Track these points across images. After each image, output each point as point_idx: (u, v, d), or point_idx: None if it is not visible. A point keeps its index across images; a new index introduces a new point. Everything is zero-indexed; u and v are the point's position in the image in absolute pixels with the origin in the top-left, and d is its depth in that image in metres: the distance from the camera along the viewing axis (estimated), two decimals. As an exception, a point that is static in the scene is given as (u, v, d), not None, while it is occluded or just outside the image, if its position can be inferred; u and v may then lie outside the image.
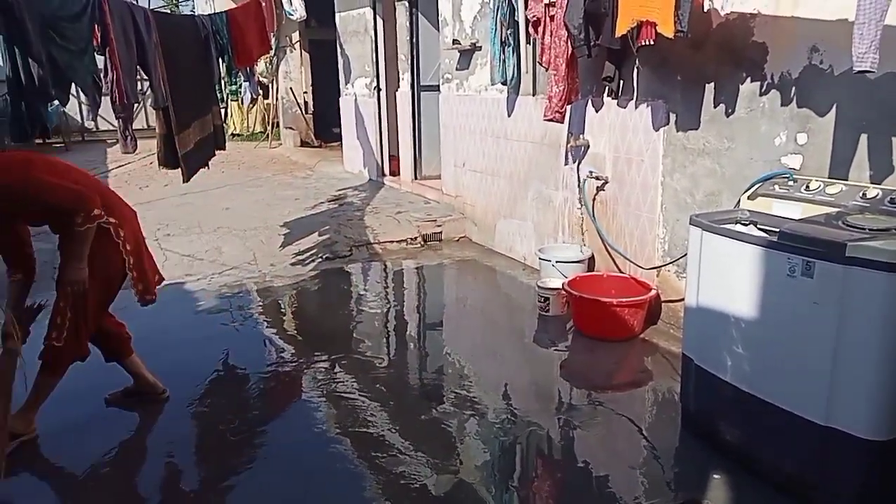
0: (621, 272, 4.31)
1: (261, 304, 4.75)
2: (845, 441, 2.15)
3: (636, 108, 4.01)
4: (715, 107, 3.45)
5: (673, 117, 3.75)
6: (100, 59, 3.74)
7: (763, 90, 3.18)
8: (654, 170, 3.93)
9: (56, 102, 3.43)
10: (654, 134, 3.89)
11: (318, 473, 2.73)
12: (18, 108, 3.11)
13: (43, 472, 2.86)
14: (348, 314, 4.66)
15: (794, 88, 3.04)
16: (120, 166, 10.08)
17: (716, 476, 2.58)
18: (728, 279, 2.49)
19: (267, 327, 4.35)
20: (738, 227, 2.60)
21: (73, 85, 3.49)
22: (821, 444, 2.21)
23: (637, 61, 3.90)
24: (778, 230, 2.33)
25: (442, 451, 2.83)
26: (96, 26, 3.64)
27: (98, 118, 12.93)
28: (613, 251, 4.33)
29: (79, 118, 13.40)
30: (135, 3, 4.14)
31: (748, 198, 2.90)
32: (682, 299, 3.08)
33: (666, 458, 2.82)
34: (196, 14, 6.28)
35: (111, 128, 12.41)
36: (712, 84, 3.45)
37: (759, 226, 2.64)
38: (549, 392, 3.50)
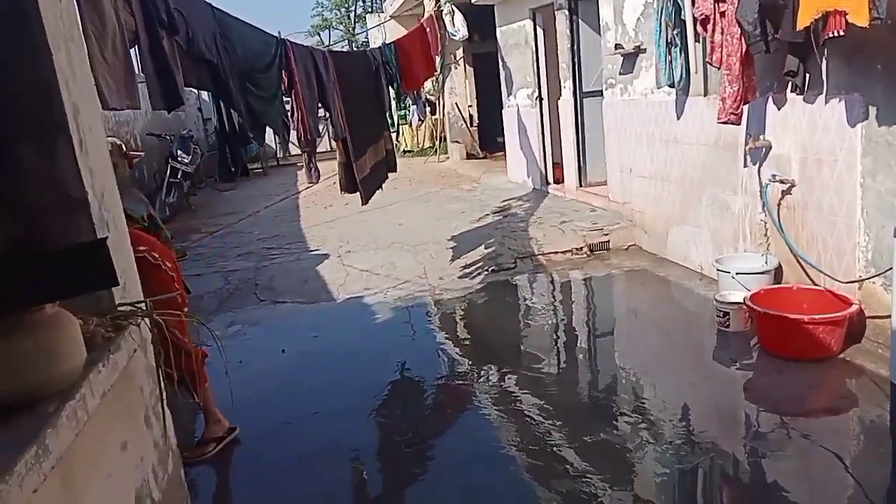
0: (815, 284, 3.89)
1: (432, 316, 4.99)
2: None
3: (826, 103, 3.60)
4: (926, 97, 3.00)
5: (873, 111, 3.31)
6: (286, 101, 4.19)
7: None
8: (851, 170, 3.50)
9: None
10: (850, 130, 3.47)
11: (488, 489, 2.81)
12: (224, 153, 3.59)
13: (241, 472, 3.24)
14: (516, 327, 4.72)
15: None
16: (307, 188, 11.09)
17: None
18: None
19: (438, 340, 4.56)
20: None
21: (266, 127, 3.94)
22: None
23: (825, 53, 3.50)
24: None
25: (617, 474, 2.77)
26: (283, 73, 4.08)
27: (290, 144, 14.41)
28: (804, 262, 3.92)
29: (274, 146, 14.99)
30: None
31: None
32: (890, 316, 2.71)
33: (876, 498, 2.50)
34: (368, 49, 6.75)
35: (297, 152, 13.77)
36: (921, 71, 3.00)
37: None
38: (732, 415, 3.27)
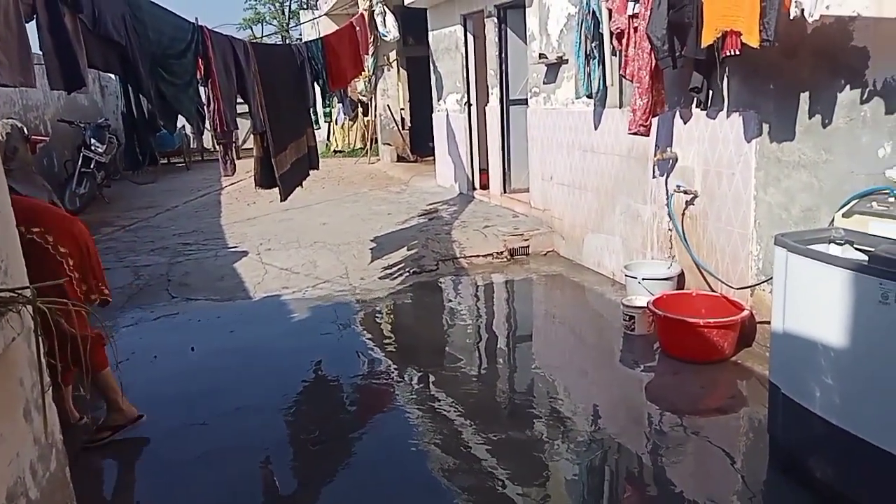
0: (713, 291, 4.11)
1: (351, 316, 4.94)
2: (950, 487, 1.94)
3: (727, 118, 3.82)
4: (811, 117, 3.23)
5: (766, 128, 3.54)
6: (202, 90, 4.07)
7: (864, 98, 2.94)
8: (747, 183, 3.72)
9: (186, 126, 3.78)
10: (746, 146, 3.70)
11: (393, 485, 2.80)
12: (132, 141, 3.44)
13: (142, 470, 3.13)
14: (435, 328, 4.74)
15: (899, 95, 2.80)
16: (232, 184, 10.80)
17: (805, 518, 2.42)
18: (816, 304, 2.32)
19: (357, 339, 4.52)
20: (830, 248, 2.43)
21: (178, 115, 3.81)
22: (920, 488, 2.01)
23: (726, 71, 3.72)
24: (870, 252, 2.15)
25: (529, 470, 2.83)
26: (199, 60, 3.96)
27: (206, 133, 13.94)
28: (703, 269, 4.14)
29: (189, 135, 14.43)
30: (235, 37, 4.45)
31: (843, 215, 2.70)
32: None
33: (755, 493, 2.66)
34: (293, 42, 6.65)
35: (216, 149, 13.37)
36: (807, 93, 3.23)
37: (855, 246, 2.45)
38: (636, 415, 3.40)
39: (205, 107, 4.04)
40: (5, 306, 1.84)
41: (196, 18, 3.96)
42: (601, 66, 4.76)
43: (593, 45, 4.74)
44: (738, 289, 3.83)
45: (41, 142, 5.41)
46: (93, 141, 9.30)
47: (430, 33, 9.23)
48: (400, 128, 12.71)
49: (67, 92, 2.96)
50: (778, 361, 2.62)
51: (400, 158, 12.63)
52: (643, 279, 4.32)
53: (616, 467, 2.96)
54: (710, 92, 3.85)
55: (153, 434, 3.30)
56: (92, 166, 9.22)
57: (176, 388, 3.88)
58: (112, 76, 7.83)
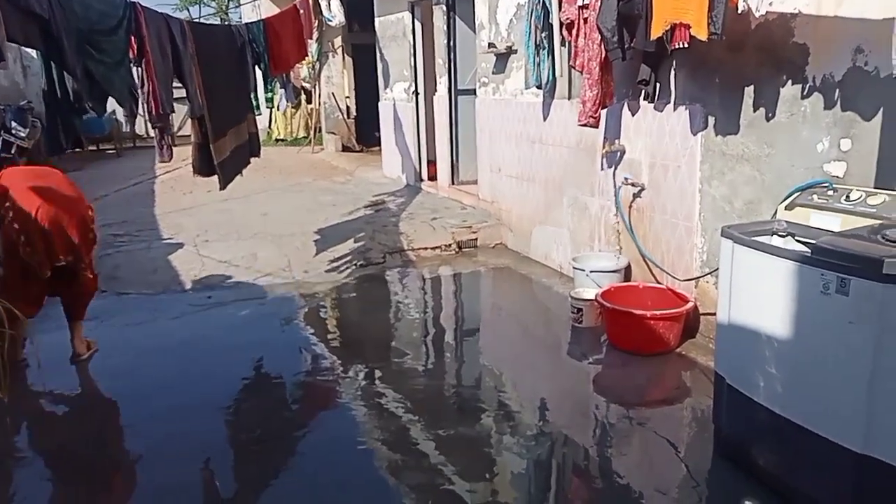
0: (658, 283, 4.16)
1: (294, 311, 4.78)
2: (883, 471, 1.99)
3: (674, 111, 3.86)
4: (755, 111, 3.28)
5: (711, 121, 3.59)
6: (135, 71, 3.83)
7: (805, 93, 3.01)
8: (692, 176, 3.78)
9: (116, 111, 3.55)
10: (692, 139, 3.74)
11: (337, 484, 2.70)
12: (54, 122, 3.21)
13: (67, 477, 2.92)
14: (381, 322, 4.64)
15: (837, 91, 2.86)
16: (167, 172, 10.34)
17: (748, 504, 2.46)
18: (760, 295, 2.35)
19: (299, 334, 4.38)
20: (773, 240, 2.46)
21: (108, 97, 3.57)
22: (857, 473, 2.06)
23: (674, 64, 3.76)
24: (812, 244, 2.18)
25: (477, 465, 2.78)
26: (132, 38, 3.72)
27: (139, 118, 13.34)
28: (650, 261, 4.19)
29: (121, 119, 13.80)
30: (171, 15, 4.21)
31: (786, 208, 2.74)
32: (718, 313, 2.95)
33: (699, 482, 2.70)
34: (232, 23, 6.38)
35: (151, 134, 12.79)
36: (752, 87, 3.29)
37: (796, 238, 2.49)
38: (583, 407, 3.41)
39: (138, 88, 3.80)
40: None
41: (129, -6, 3.72)
42: (550, 57, 4.74)
43: (543, 35, 4.71)
44: (683, 280, 3.89)
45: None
46: (14, 124, 8.67)
47: (376, 20, 9.05)
48: (345, 116, 12.48)
49: (-19, 66, 2.71)
50: (723, 352, 2.65)
51: (345, 148, 12.41)
52: (591, 271, 4.33)
53: (563, 460, 2.95)
54: (658, 85, 3.88)
55: (80, 439, 3.10)
56: (13, 151, 8.62)
57: (106, 387, 3.68)
58: (35, 54, 7.34)
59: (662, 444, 2.99)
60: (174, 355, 4.05)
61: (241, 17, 15.91)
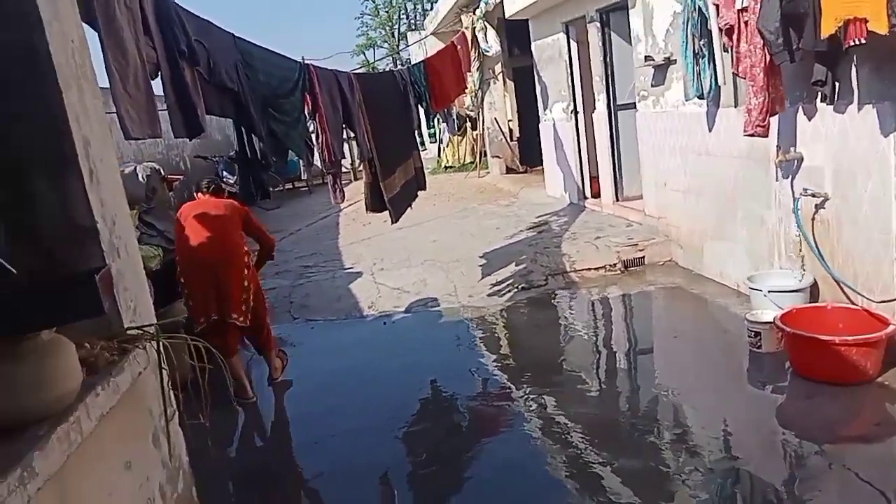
0: (852, 303, 3.71)
1: (461, 334, 4.98)
2: None
3: (858, 112, 3.45)
4: (960, 105, 2.84)
5: (905, 120, 3.16)
6: (310, 124, 4.28)
7: None
8: (886, 183, 3.33)
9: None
10: (883, 141, 3.31)
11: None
12: (246, 179, 3.69)
13: (258, 487, 3.31)
14: (546, 345, 4.65)
15: None
16: (350, 205, 11.26)
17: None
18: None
19: (467, 357, 4.54)
20: None
21: (288, 150, 4.03)
22: None
23: (854, 60, 3.36)
24: None
25: (656, 498, 2.70)
26: (307, 96, 4.18)
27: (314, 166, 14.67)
28: (839, 280, 3.74)
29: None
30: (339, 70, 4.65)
31: None
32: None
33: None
34: (395, 69, 6.85)
35: (345, 169, 13.96)
36: (954, 78, 2.85)
37: None
38: (768, 442, 3.13)
39: (313, 140, 4.24)
40: (132, 343, 2.02)
41: (302, 57, 4.19)
42: (711, 65, 4.48)
43: (702, 43, 4.47)
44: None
45: (177, 180, 5.97)
46: (224, 173, 10.10)
47: (532, 43, 9.15)
48: (508, 139, 12.70)
49: (189, 139, 3.23)
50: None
51: (509, 170, 12.61)
52: (769, 291, 3.98)
53: (750, 499, 2.73)
54: (837, 84, 3.49)
55: (272, 454, 3.49)
56: (225, 195, 10.00)
57: (297, 408, 4.10)
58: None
59: (864, 488, 2.65)
60: (355, 378, 4.41)
61: (409, 55, 16.94)
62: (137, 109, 2.87)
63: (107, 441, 1.75)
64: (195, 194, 4.36)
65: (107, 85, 2.52)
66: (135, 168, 5.01)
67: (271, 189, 4.35)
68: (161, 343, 2.03)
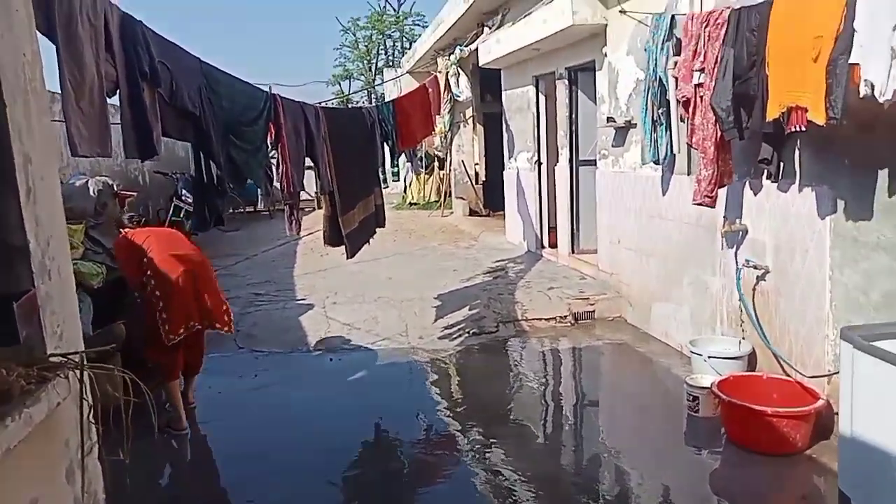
0: (787, 374, 3.81)
1: (408, 376, 4.92)
2: None
3: (799, 192, 3.61)
4: (890, 196, 3.00)
5: (841, 205, 3.31)
6: (272, 154, 4.26)
7: (950, 179, 2.71)
8: (821, 263, 3.48)
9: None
10: (820, 222, 3.47)
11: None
12: (200, 204, 3.64)
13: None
14: (493, 394, 4.62)
15: None
16: (310, 234, 11.18)
17: None
18: (886, 408, 2.10)
19: (414, 401, 4.48)
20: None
21: (246, 178, 4.00)
22: None
23: (798, 143, 3.54)
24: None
25: None
26: (271, 125, 4.17)
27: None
28: (775, 353, 3.86)
29: (265, 202, 15.01)
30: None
31: (923, 309, 2.45)
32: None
33: None
34: (364, 106, 6.91)
35: (309, 198, 13.82)
36: (886, 170, 3.01)
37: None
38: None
39: (273, 169, 4.22)
40: (54, 371, 1.93)
41: (269, 87, 4.20)
42: (668, 133, 4.65)
43: (660, 111, 4.64)
44: (810, 377, 3.54)
45: (129, 196, 5.84)
46: (183, 192, 9.92)
47: (503, 92, 9.37)
48: (473, 182, 12.86)
49: (141, 160, 3.17)
50: (846, 468, 2.38)
51: (472, 212, 12.73)
52: (709, 357, 4.07)
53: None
54: (781, 164, 3.66)
55: (199, 490, 3.36)
56: (182, 215, 9.81)
57: (231, 444, 3.96)
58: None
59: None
60: (296, 415, 4.30)
61: (384, 90, 17.13)
62: (89, 126, 2.82)
63: (12, 476, 1.65)
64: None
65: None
66: (87, 181, 4.88)
67: (231, 210, 4.30)
68: (84, 373, 1.95)
